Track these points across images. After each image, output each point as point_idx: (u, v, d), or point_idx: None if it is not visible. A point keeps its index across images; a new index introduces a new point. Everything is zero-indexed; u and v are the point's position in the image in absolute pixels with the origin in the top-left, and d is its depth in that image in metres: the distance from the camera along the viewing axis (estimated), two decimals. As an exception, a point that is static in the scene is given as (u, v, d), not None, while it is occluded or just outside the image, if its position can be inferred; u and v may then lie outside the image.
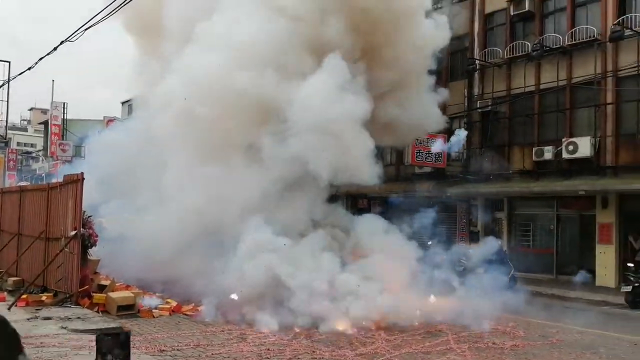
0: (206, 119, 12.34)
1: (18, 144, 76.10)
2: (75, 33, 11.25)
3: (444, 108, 18.16)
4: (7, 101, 32.05)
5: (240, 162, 12.67)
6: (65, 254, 12.27)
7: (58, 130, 50.53)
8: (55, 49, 12.69)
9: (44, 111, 78.33)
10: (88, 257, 12.42)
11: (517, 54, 21.55)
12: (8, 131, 47.84)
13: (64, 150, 51.09)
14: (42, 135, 66.94)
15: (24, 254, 14.40)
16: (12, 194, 17.39)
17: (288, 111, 12.08)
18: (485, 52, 22.93)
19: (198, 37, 12.75)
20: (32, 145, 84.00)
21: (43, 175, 59.78)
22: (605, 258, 18.60)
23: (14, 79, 29.38)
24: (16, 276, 15.30)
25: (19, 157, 69.44)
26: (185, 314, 12.13)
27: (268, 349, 9.16)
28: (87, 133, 52.15)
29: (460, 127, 21.89)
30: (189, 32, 12.84)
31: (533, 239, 21.71)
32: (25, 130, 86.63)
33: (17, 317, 10.88)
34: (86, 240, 12.22)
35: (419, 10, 14.68)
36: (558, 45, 20.26)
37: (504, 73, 22.06)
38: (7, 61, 31.56)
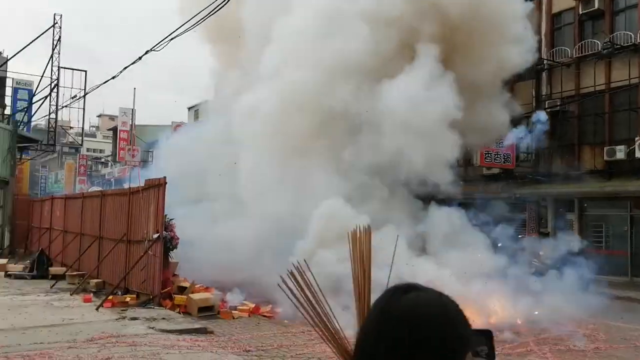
0: (295, 129, 12.47)
1: (87, 149, 78.88)
2: (160, 43, 11.71)
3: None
4: (84, 109, 33.30)
5: (324, 169, 12.78)
6: (149, 257, 12.72)
7: (126, 135, 52.10)
8: (140, 58, 13.25)
9: (112, 117, 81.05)
10: (169, 259, 12.82)
11: (587, 53, 21.08)
12: (78, 138, 49.53)
13: (132, 156, 52.59)
14: (111, 141, 69.26)
15: (106, 256, 14.93)
16: (93, 199, 18.11)
17: (380, 114, 12.12)
18: (553, 51, 22.51)
19: (290, 51, 12.83)
20: (100, 151, 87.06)
21: (112, 180, 61.87)
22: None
23: (96, 87, 30.22)
24: (97, 278, 15.96)
25: (89, 162, 72.16)
26: (263, 315, 12.39)
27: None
28: (155, 138, 53.79)
29: (527, 128, 21.49)
30: (268, 38, 13.06)
31: (605, 241, 21.14)
32: (94, 136, 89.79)
33: (106, 318, 11.40)
34: (168, 243, 12.64)
35: (508, 18, 14.42)
36: (629, 43, 19.72)
37: (573, 72, 21.61)
38: (84, 70, 32.80)
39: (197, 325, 10.81)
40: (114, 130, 61.25)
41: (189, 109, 58.03)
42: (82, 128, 38.67)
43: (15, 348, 8.75)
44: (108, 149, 79.93)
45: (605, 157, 19.68)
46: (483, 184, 22.49)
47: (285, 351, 9.19)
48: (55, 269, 18.41)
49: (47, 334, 9.81)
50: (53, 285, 16.23)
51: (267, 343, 9.72)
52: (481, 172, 23.56)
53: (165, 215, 12.83)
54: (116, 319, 11.26)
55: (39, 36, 28.86)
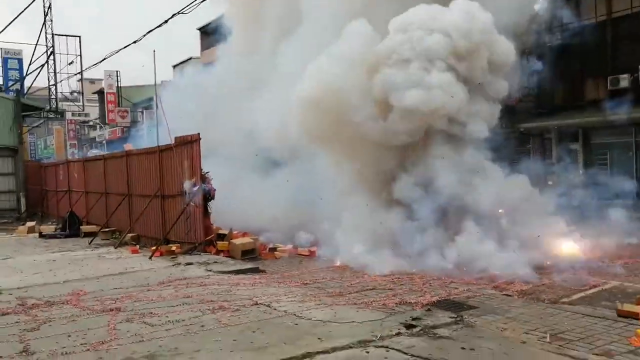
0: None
1: (72, 114, 78.49)
2: (189, 6, 12.22)
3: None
4: (82, 74, 33.40)
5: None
6: (191, 207, 13.55)
7: (113, 98, 52.11)
8: (166, 21, 13.76)
9: (92, 81, 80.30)
10: (209, 209, 13.65)
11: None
12: (60, 103, 49.24)
13: (122, 117, 52.78)
14: (97, 105, 68.83)
15: (143, 212, 15.72)
16: (116, 159, 18.79)
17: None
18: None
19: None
20: (86, 115, 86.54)
21: (104, 142, 61.91)
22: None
23: (115, 53, 30.31)
24: (132, 232, 16.77)
25: (77, 126, 71.80)
26: (301, 254, 13.31)
27: (397, 277, 10.21)
28: (140, 98, 53.77)
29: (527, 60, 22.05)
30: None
31: (610, 168, 21.94)
32: (77, 100, 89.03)
33: (163, 265, 12.31)
34: (207, 195, 13.45)
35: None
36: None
37: (572, 3, 22.04)
38: (77, 36, 32.81)
39: (249, 266, 11.76)
40: (99, 93, 61.02)
41: (174, 67, 57.75)
42: (82, 93, 38.80)
43: (100, 293, 9.66)
44: (93, 112, 79.58)
45: (609, 87, 20.35)
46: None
47: (338, 282, 10.10)
48: (86, 227, 19.21)
49: (119, 281, 10.73)
50: (91, 241, 17.08)
51: (319, 277, 10.63)
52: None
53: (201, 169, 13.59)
54: (172, 265, 12.18)
55: (28, 5, 28.79)
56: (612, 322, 7.21)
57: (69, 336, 7.17)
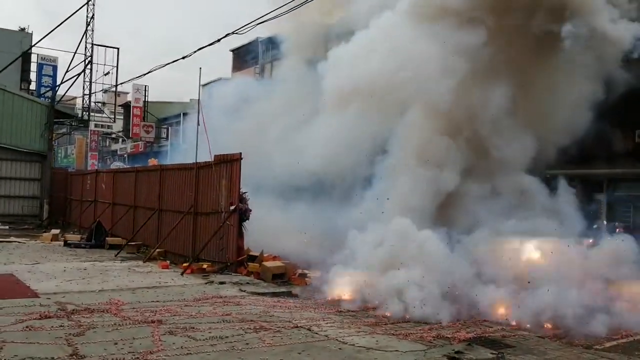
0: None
1: (95, 125, 79.44)
2: (245, 27, 12.56)
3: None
4: (116, 86, 33.98)
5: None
6: (226, 227, 13.70)
7: (140, 112, 52.66)
8: (219, 40, 14.10)
9: (118, 93, 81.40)
10: (243, 230, 13.79)
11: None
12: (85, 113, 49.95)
13: (147, 132, 53.26)
14: (122, 118, 69.70)
15: (175, 227, 15.89)
16: (150, 173, 19.04)
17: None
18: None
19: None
20: (108, 127, 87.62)
21: (125, 155, 62.50)
22: None
23: (163, 66, 30.68)
24: (159, 247, 16.90)
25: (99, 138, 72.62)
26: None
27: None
28: (166, 114, 54.32)
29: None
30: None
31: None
32: (101, 112, 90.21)
33: (197, 282, 12.44)
34: (243, 215, 13.60)
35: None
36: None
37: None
38: (116, 47, 33.44)
39: (282, 289, 11.85)
40: (125, 106, 61.81)
41: (203, 86, 58.43)
42: (115, 105, 39.36)
43: (138, 305, 9.78)
44: (115, 125, 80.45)
45: (637, 139, 20.41)
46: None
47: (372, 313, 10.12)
48: (112, 239, 19.40)
49: (155, 294, 10.86)
50: (117, 253, 17.25)
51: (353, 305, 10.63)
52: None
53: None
54: (205, 283, 12.29)
55: (73, 13, 29.47)
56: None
57: (116, 344, 7.28)
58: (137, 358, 6.69)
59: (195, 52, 15.88)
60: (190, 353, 6.96)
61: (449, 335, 8.37)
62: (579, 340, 8.74)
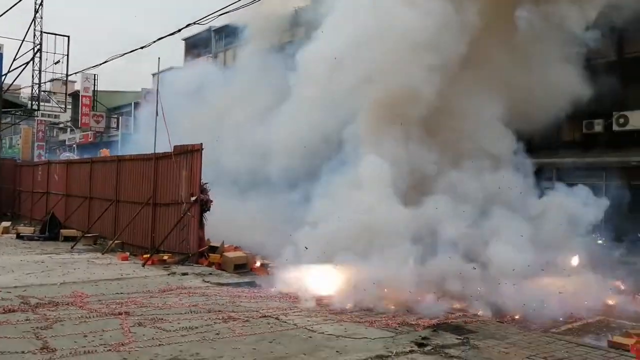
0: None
1: (42, 114, 77.20)
2: (207, 17, 12.47)
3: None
4: (67, 74, 33.04)
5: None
6: (187, 218, 13.65)
7: (89, 101, 51.44)
8: (179, 30, 14.01)
9: (64, 82, 79.26)
10: (204, 221, 13.78)
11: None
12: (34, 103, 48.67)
13: (97, 122, 52.15)
14: (71, 107, 67.89)
15: (133, 219, 15.74)
16: (106, 164, 18.75)
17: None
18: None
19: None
20: (55, 116, 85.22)
21: (74, 145, 61.02)
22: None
23: (120, 56, 29.37)
24: (113, 238, 16.68)
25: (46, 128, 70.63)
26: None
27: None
28: (116, 104, 53.28)
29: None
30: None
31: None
32: (48, 101, 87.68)
33: (159, 273, 12.40)
34: (204, 206, 13.59)
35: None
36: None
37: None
38: (66, 35, 32.48)
39: (246, 279, 11.92)
40: (73, 95, 60.30)
41: (154, 75, 57.48)
42: (65, 94, 38.33)
43: (102, 297, 9.72)
44: (62, 115, 78.29)
45: (584, 130, 21.20)
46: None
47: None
48: (66, 231, 19.05)
49: (118, 286, 10.78)
50: (73, 246, 16.96)
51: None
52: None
53: (199, 179, 13.73)
54: (168, 274, 12.26)
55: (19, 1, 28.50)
56: (605, 352, 7.60)
57: (85, 336, 7.25)
58: (110, 350, 6.69)
59: (154, 41, 15.73)
60: (162, 344, 7.00)
61: (413, 322, 8.61)
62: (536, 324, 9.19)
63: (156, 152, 15.36)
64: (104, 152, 37.87)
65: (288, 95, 15.20)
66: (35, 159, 50.34)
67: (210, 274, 12.42)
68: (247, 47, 22.51)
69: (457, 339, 7.77)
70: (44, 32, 30.69)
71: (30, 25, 30.20)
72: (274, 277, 12.69)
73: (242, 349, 6.89)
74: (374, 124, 11.97)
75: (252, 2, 12.00)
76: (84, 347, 6.79)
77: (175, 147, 14.53)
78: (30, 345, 6.82)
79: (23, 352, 6.52)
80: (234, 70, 22.29)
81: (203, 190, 13.64)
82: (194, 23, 13.24)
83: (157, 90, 15.29)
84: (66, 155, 45.09)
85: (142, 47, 16.43)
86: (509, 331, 8.56)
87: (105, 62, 31.02)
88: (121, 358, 6.44)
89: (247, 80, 18.69)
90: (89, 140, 56.68)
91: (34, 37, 30.22)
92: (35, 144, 63.41)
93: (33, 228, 20.35)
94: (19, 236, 19.07)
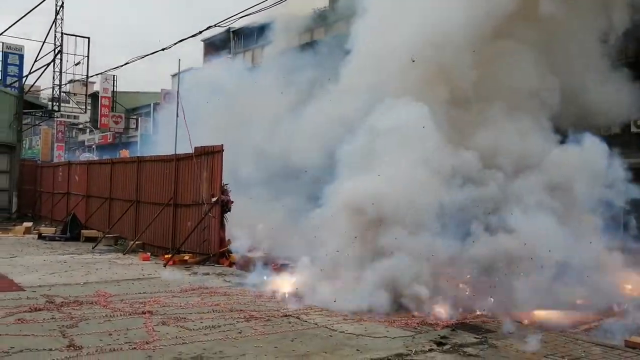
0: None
1: (61, 115, 78.02)
2: (229, 19, 12.63)
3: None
4: (87, 76, 33.48)
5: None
6: (208, 218, 13.80)
7: (108, 102, 51.88)
8: (201, 32, 14.19)
9: (84, 83, 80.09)
10: (225, 222, 13.92)
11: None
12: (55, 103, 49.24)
13: (116, 123, 52.63)
14: (90, 108, 68.58)
15: (154, 219, 15.93)
16: (126, 165, 18.98)
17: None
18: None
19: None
20: (74, 117, 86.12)
21: (93, 146, 61.65)
22: None
23: (141, 58, 29.53)
24: (134, 239, 16.86)
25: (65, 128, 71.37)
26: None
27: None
28: (135, 104, 53.72)
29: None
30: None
31: None
32: (68, 102, 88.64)
33: (181, 273, 12.56)
34: (224, 206, 13.73)
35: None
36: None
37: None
38: (87, 37, 32.90)
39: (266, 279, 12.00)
40: (92, 96, 60.92)
41: (173, 76, 57.95)
42: (86, 95, 38.70)
43: (125, 296, 9.88)
44: (83, 115, 79.10)
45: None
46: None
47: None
48: (87, 232, 19.31)
49: (140, 286, 10.95)
50: (95, 246, 17.20)
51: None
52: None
53: (220, 180, 13.86)
54: (189, 275, 12.41)
55: (42, 1, 28.89)
56: (622, 351, 7.61)
57: (110, 335, 7.40)
58: (134, 348, 6.83)
59: (175, 43, 15.94)
60: (186, 342, 7.12)
61: (432, 322, 8.66)
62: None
63: (177, 153, 15.50)
64: (124, 153, 38.32)
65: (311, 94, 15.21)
66: (55, 160, 50.90)
67: (232, 274, 12.56)
68: (269, 48, 22.58)
69: (475, 338, 7.82)
70: (65, 34, 31.10)
71: (50, 27, 30.65)
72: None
73: (265, 348, 7.00)
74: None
75: (274, 4, 12.12)
76: (109, 345, 6.93)
77: (196, 148, 14.69)
78: (57, 343, 6.97)
79: (50, 350, 6.67)
80: (256, 70, 22.32)
81: (224, 191, 13.78)
82: (215, 25, 13.43)
83: (178, 91, 15.44)
84: (85, 156, 45.63)
85: (163, 49, 16.70)
86: (527, 331, 8.58)
87: (127, 63, 31.31)
88: (146, 356, 6.57)
89: (270, 80, 18.68)
90: (108, 141, 57.16)
91: (55, 39, 30.64)
92: (55, 145, 64.13)
93: (54, 229, 20.65)
94: (41, 236, 19.37)
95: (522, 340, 7.92)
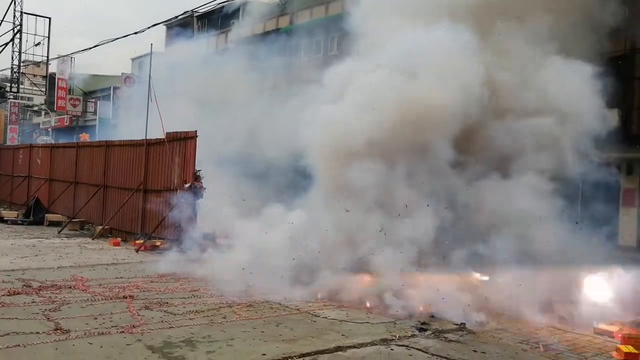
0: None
1: (15, 97, 75.77)
2: (203, 5, 12.57)
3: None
4: (47, 57, 32.66)
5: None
6: (180, 204, 13.76)
7: (65, 84, 50.70)
8: (176, 17, 14.03)
9: (37, 64, 77.86)
10: (197, 207, 13.90)
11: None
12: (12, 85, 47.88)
13: (74, 106, 51.49)
14: (44, 90, 66.78)
15: (124, 204, 15.79)
16: (93, 149, 18.71)
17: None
18: None
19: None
20: (28, 99, 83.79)
21: (49, 129, 60.18)
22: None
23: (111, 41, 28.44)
24: (103, 224, 16.70)
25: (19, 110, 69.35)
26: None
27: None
28: (93, 88, 52.61)
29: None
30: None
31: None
32: (22, 83, 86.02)
33: (152, 259, 12.51)
34: (197, 193, 13.72)
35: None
36: None
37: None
38: (48, 17, 32.11)
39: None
40: (49, 77, 59.34)
41: (133, 60, 56.91)
42: (47, 77, 37.75)
43: (102, 281, 9.86)
44: (37, 97, 76.88)
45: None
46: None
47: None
48: (52, 216, 19.01)
49: (115, 271, 10.93)
50: (60, 231, 16.97)
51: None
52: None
53: (192, 167, 13.82)
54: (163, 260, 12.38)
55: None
56: (592, 337, 8.00)
57: (95, 318, 7.42)
58: (122, 332, 6.87)
59: (149, 27, 15.74)
60: (173, 327, 7.20)
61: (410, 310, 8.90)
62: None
63: (148, 138, 15.37)
64: (84, 137, 37.53)
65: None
66: (8, 142, 49.57)
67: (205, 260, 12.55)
68: (235, 33, 22.43)
69: (453, 324, 8.11)
70: (25, 13, 30.30)
71: (9, 5, 29.81)
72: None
73: (251, 332, 7.13)
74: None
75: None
76: (96, 328, 6.96)
77: (168, 133, 14.59)
78: (43, 326, 6.96)
79: (38, 333, 6.66)
80: (221, 55, 22.13)
81: (197, 178, 13.75)
82: (192, 11, 13.34)
83: (150, 75, 15.28)
84: (43, 140, 44.56)
85: (135, 33, 16.47)
86: (501, 319, 8.91)
87: (96, 46, 30.69)
88: (136, 339, 6.62)
89: (236, 66, 18.55)
90: (65, 124, 55.86)
91: (14, 18, 29.83)
92: (8, 127, 62.34)
93: (17, 212, 20.24)
94: (2, 220, 18.98)
95: (497, 326, 8.25)
